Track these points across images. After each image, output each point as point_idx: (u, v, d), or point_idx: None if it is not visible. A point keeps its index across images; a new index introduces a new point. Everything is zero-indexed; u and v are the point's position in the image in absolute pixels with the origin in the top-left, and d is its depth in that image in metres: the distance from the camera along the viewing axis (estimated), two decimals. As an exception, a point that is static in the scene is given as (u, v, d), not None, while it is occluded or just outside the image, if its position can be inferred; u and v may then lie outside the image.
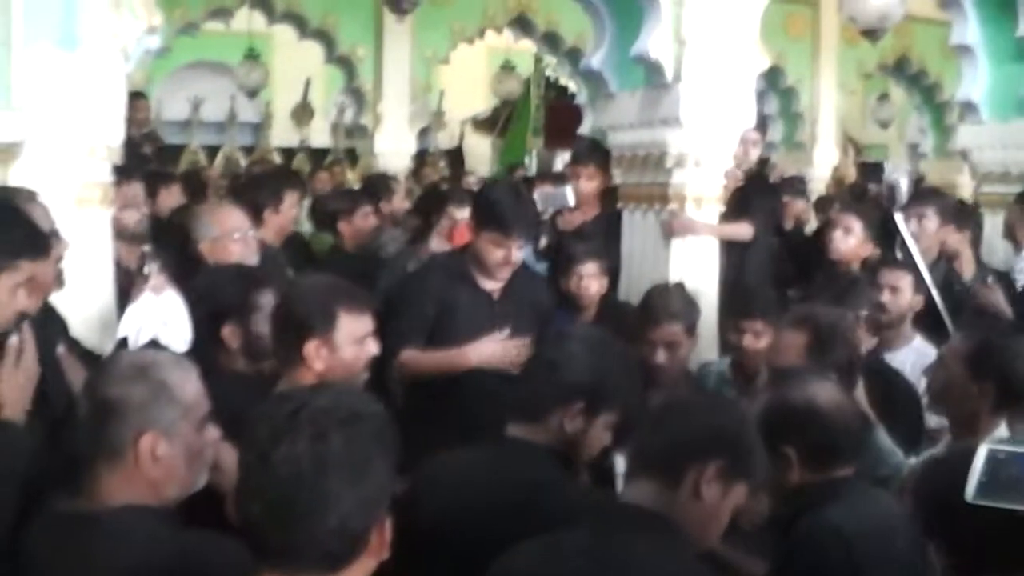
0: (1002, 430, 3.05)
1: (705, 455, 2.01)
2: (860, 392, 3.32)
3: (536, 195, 5.51)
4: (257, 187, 5.18)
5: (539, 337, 3.54)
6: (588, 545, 1.98)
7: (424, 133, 10.65)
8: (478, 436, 2.62)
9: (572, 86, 11.82)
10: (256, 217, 4.56)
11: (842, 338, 3.20)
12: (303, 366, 2.72)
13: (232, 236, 4.07)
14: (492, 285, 4.13)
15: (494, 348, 3.99)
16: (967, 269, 5.39)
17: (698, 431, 2.06)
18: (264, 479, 1.59)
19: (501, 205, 4.01)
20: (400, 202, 7.29)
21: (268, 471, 1.58)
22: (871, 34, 7.68)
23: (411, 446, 1.86)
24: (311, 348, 2.71)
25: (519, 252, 4.09)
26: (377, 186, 7.19)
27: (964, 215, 5.80)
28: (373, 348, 2.83)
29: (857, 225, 5.12)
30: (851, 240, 5.10)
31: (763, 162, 6.88)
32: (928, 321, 4.67)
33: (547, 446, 2.43)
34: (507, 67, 12.97)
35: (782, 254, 5.90)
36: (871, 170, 12.18)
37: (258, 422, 1.64)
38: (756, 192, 5.66)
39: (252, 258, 4.02)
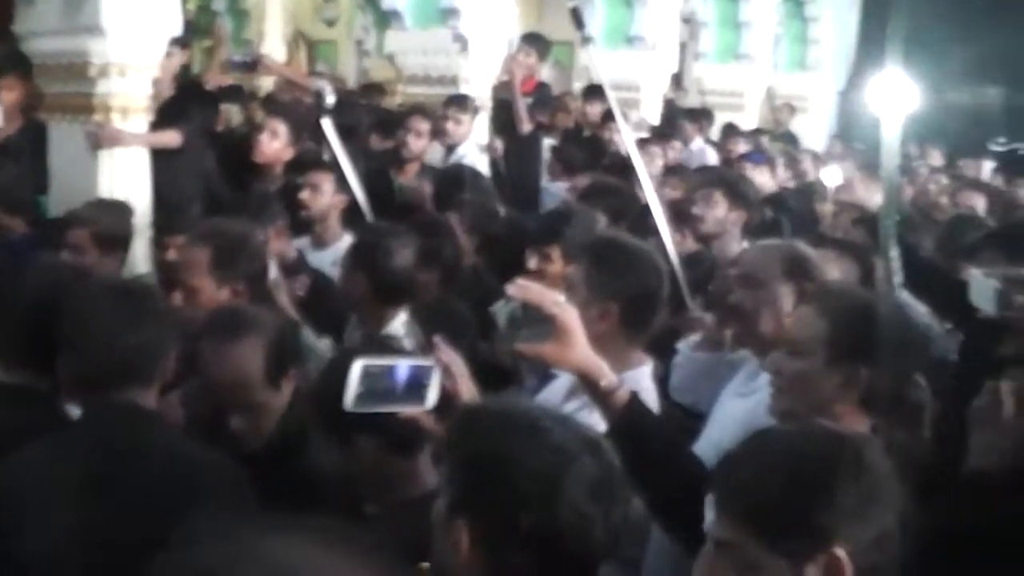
0: (396, 326, 3.40)
1: None
2: (285, 299, 3.59)
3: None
4: None
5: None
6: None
7: None
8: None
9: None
10: None
11: (250, 252, 3.29)
12: None
13: None
14: None
15: None
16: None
17: None
18: None
19: None
20: None
21: None
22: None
23: None
24: None
25: None
26: None
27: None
28: None
29: (282, 128, 5.36)
30: (276, 143, 5.33)
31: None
32: (355, 218, 5.00)
33: None
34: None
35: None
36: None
37: None
38: (188, 100, 5.70)
39: None
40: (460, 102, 6.52)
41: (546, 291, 2.10)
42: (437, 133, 6.26)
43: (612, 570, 1.90)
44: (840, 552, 1.53)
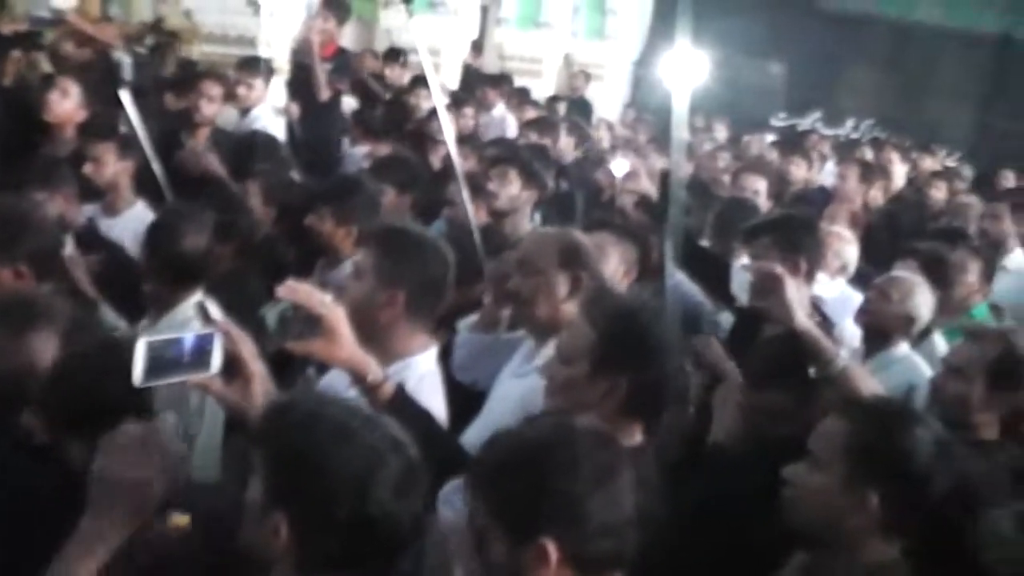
0: (186, 308, 3.38)
1: None
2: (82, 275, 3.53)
3: None
4: None
5: None
6: None
7: None
8: None
9: None
10: None
11: (32, 228, 3.19)
12: None
13: None
14: None
15: None
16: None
17: None
18: None
19: None
20: None
21: None
22: None
23: None
24: None
25: None
26: None
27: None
28: None
29: (74, 89, 5.22)
30: (67, 103, 5.20)
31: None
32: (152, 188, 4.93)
33: None
34: None
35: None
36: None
37: None
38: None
39: None
40: (253, 66, 6.46)
41: (314, 292, 2.21)
42: (230, 97, 6.19)
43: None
44: (547, 541, 1.74)
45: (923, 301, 3.95)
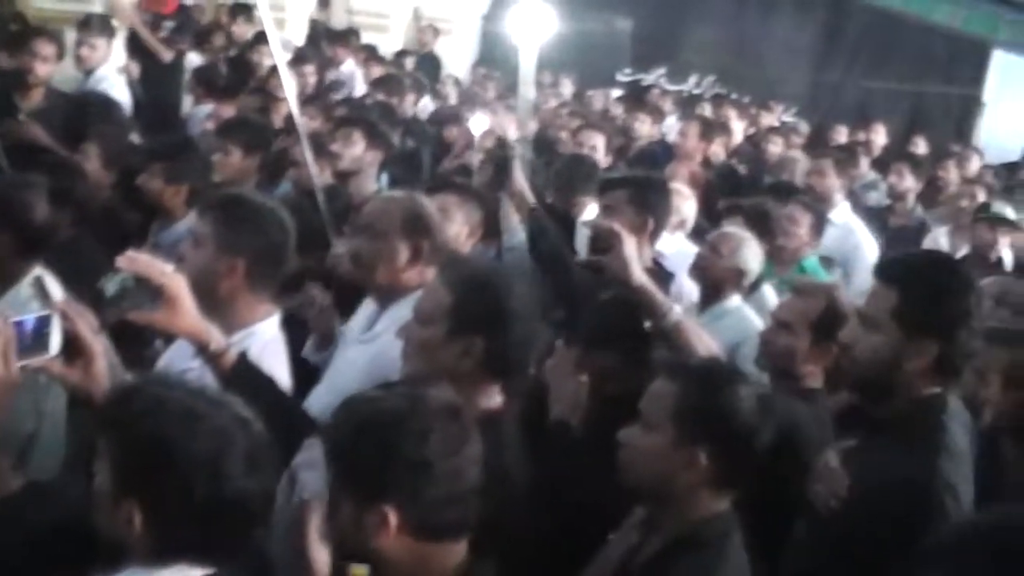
0: (24, 286, 3.28)
1: None
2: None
3: None
4: None
5: None
6: None
7: None
8: None
9: None
10: None
11: None
12: None
13: None
14: None
15: None
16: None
17: None
18: None
19: None
20: None
21: None
22: None
23: None
24: None
25: None
26: None
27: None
28: None
29: None
30: None
31: None
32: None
33: None
34: None
35: None
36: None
37: None
38: None
39: None
40: (95, 25, 6.26)
41: (154, 262, 2.23)
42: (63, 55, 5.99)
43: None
44: (388, 508, 1.81)
45: (751, 255, 4.14)
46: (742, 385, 2.32)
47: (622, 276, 2.98)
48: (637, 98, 10.98)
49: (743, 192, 6.34)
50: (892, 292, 2.42)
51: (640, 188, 3.86)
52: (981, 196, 6.59)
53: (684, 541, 2.24)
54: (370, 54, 10.11)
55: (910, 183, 7.09)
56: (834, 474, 2.46)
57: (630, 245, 3.01)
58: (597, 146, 6.04)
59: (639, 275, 2.99)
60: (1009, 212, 6.03)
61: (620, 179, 4.06)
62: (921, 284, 2.42)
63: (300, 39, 9.77)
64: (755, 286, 4.32)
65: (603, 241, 3.05)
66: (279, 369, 2.65)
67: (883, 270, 2.54)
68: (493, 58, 12.23)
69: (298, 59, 7.78)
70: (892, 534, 2.24)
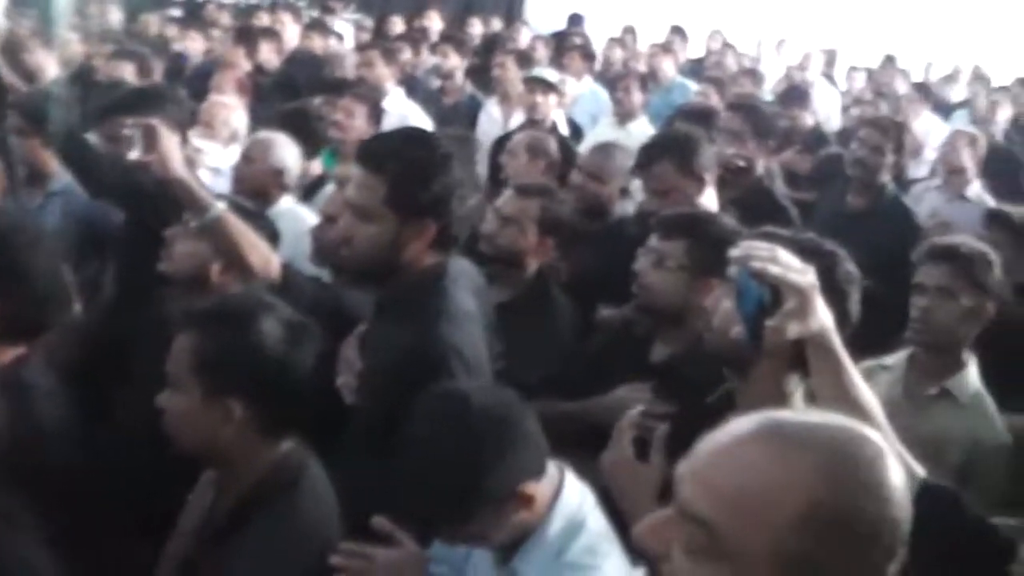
0: None
1: None
2: None
3: None
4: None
5: None
6: None
7: None
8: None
9: None
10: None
11: None
12: None
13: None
14: None
15: None
16: None
17: None
18: None
19: None
20: None
21: None
22: None
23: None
24: None
25: None
26: None
27: None
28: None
29: None
30: None
31: None
32: None
33: None
34: None
35: None
36: None
37: None
38: None
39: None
40: None
41: None
42: None
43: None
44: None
45: (287, 153, 4.17)
46: (265, 317, 2.14)
47: (163, 172, 2.91)
48: (191, 15, 10.60)
49: (305, 94, 6.30)
50: (379, 180, 2.42)
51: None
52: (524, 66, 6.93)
53: (248, 502, 2.09)
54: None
55: (455, 61, 7.37)
56: (347, 361, 2.53)
57: (168, 139, 2.95)
58: (124, 74, 5.83)
59: (177, 168, 2.94)
60: (551, 75, 6.42)
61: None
62: (407, 168, 2.42)
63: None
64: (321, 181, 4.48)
65: (144, 139, 2.96)
66: None
67: (365, 158, 2.48)
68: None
69: None
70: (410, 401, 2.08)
